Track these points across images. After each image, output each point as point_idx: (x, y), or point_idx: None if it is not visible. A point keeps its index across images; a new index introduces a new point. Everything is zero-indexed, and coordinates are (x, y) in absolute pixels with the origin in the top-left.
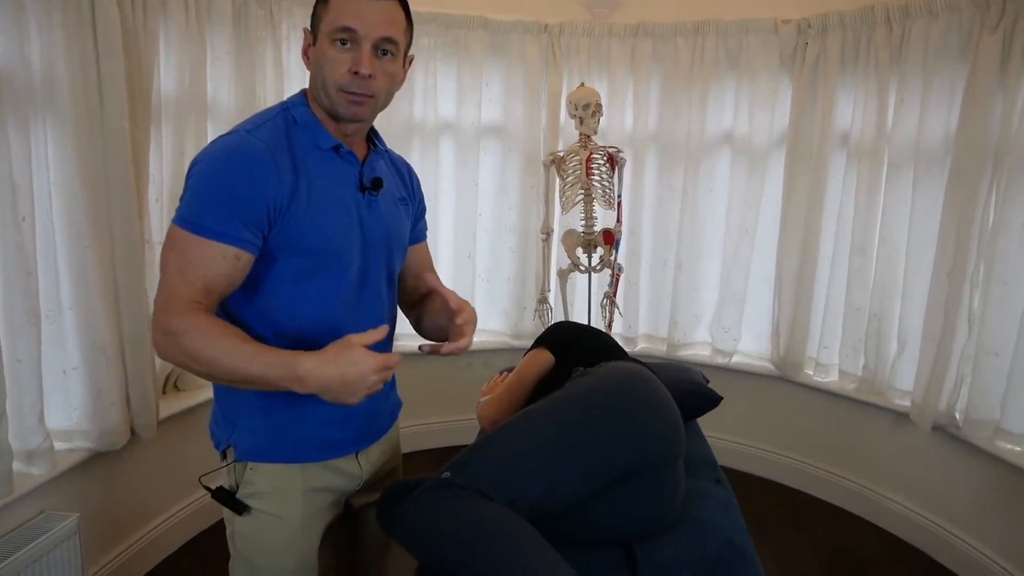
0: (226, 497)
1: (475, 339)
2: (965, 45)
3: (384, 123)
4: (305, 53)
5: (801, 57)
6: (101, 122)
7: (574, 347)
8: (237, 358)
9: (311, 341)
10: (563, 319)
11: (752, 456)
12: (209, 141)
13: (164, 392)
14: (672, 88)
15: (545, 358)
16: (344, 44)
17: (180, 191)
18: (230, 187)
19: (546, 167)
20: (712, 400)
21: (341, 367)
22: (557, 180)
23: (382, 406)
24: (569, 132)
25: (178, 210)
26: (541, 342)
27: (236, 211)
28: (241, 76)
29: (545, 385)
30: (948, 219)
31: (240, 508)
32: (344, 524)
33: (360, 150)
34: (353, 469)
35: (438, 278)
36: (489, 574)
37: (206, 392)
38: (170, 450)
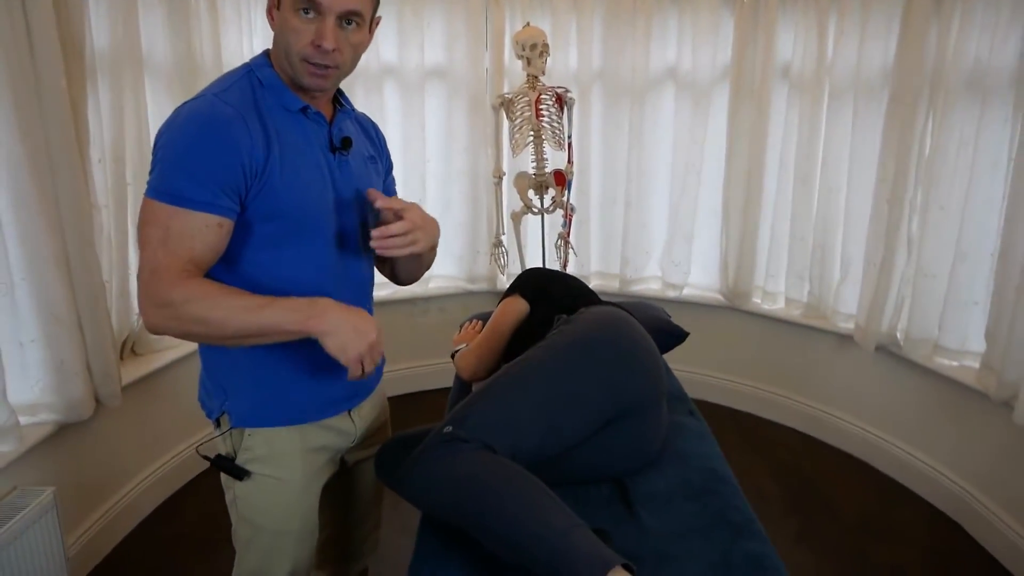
0: (226, 464)
1: (431, 285)
2: None
3: None
4: (269, 13)
5: None
6: (36, 82)
7: (547, 293)
8: (248, 312)
9: None
10: (518, 261)
11: (705, 384)
12: (148, 96)
13: (122, 358)
14: (615, 24)
15: (520, 306)
16: (307, 13)
17: (123, 150)
18: (205, 153)
19: (495, 109)
20: (679, 336)
21: (355, 315)
22: (506, 122)
23: None
24: (514, 73)
25: (151, 183)
26: (514, 290)
27: (214, 177)
28: (175, 25)
29: (523, 331)
30: (887, 148)
31: (240, 474)
32: (340, 479)
33: (327, 110)
34: (347, 426)
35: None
36: (500, 526)
37: (165, 355)
38: (136, 416)
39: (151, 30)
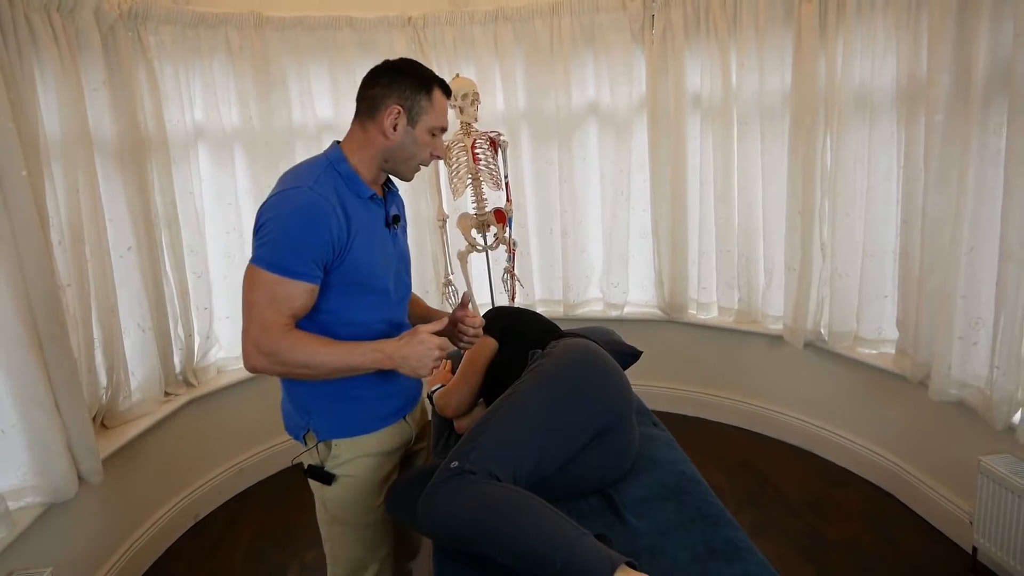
0: (317, 472)
1: None
2: (788, 13)
3: (265, 130)
4: (394, 127)
5: (650, 30)
6: None
7: (514, 330)
8: (339, 356)
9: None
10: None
11: (653, 394)
12: (99, 174)
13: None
14: (536, 68)
15: (490, 344)
16: (433, 136)
17: (80, 230)
18: (306, 236)
19: None
20: (634, 356)
21: (414, 347)
22: (443, 168)
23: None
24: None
25: (259, 254)
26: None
27: (312, 255)
28: (119, 106)
29: (494, 366)
30: (794, 164)
31: (330, 479)
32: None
33: (380, 191)
34: (406, 430)
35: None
36: (517, 543)
37: (137, 426)
38: (116, 487)
39: (97, 112)
